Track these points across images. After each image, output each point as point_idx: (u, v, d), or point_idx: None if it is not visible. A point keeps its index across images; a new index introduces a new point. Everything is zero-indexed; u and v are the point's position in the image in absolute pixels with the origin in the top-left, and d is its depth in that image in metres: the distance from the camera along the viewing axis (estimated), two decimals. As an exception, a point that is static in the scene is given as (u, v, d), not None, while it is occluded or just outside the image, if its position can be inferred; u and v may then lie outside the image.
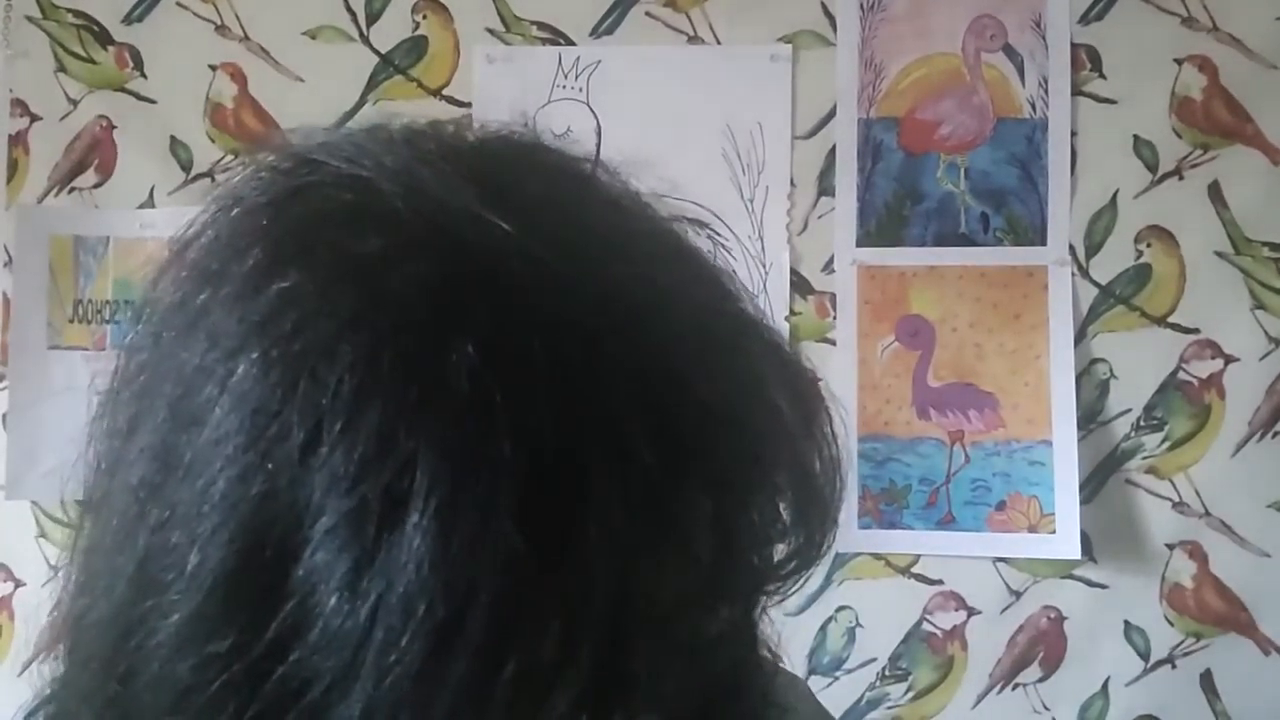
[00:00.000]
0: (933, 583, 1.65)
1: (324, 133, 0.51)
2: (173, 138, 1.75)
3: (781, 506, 0.48)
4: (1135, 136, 1.63)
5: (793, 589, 0.51)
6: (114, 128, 1.77)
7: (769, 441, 0.48)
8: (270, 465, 0.43)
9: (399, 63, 1.73)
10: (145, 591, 0.45)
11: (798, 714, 0.67)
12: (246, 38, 1.75)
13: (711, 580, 0.46)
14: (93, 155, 1.77)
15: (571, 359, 0.43)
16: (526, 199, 0.47)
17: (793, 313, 1.67)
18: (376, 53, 1.74)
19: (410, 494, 0.41)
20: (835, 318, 1.66)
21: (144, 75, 1.77)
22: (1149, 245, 1.63)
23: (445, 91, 1.73)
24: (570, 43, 1.71)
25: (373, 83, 1.73)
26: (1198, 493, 1.61)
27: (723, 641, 0.47)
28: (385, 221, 0.45)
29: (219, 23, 1.76)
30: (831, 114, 1.68)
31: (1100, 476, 1.63)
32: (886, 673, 1.65)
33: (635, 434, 0.43)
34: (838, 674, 1.65)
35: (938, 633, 1.64)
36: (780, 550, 0.49)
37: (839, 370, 1.65)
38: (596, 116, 1.70)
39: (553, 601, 0.42)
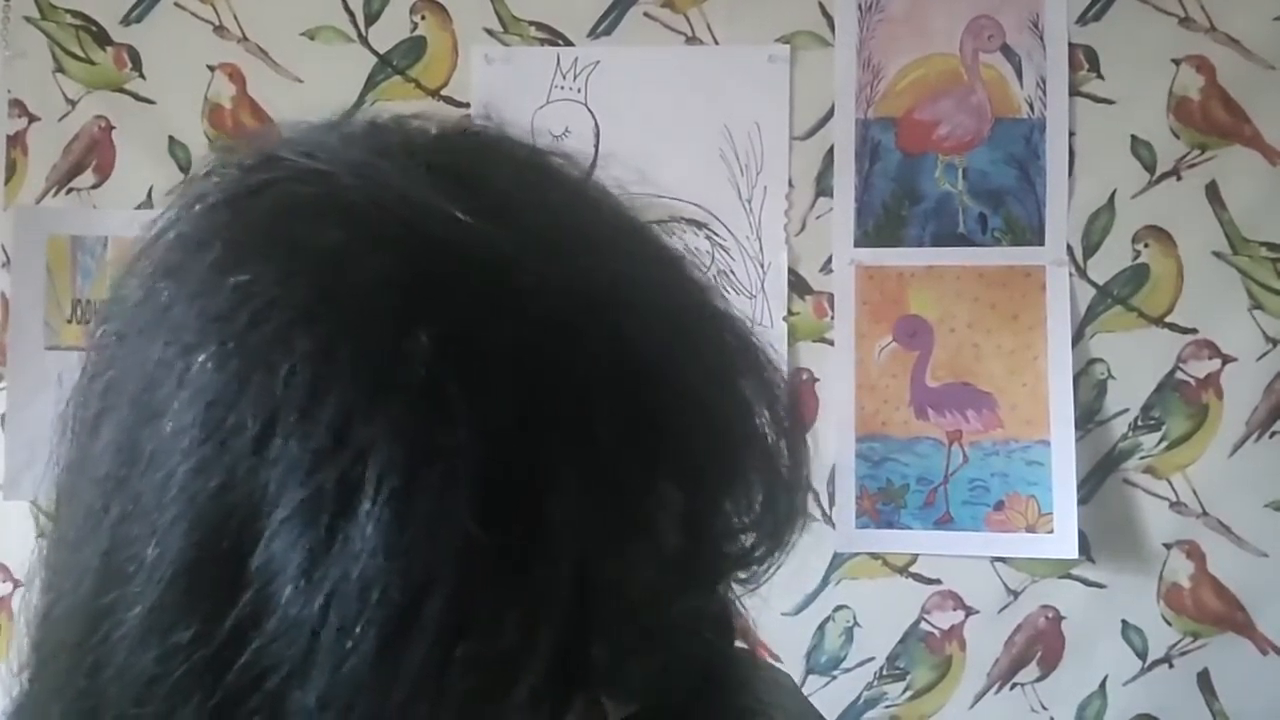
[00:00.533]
0: (931, 582, 1.65)
1: (289, 129, 0.51)
2: (171, 138, 1.75)
3: (749, 495, 0.49)
4: (1133, 136, 1.63)
5: (762, 578, 0.51)
6: (112, 128, 1.77)
7: (737, 431, 0.48)
8: (227, 457, 0.43)
9: (397, 63, 1.74)
10: (109, 584, 0.46)
11: (784, 710, 0.67)
12: (245, 38, 1.75)
13: (678, 568, 0.46)
14: (91, 156, 1.77)
15: (533, 349, 0.44)
16: (488, 191, 0.48)
17: (791, 313, 1.67)
18: (375, 53, 1.74)
19: (364, 483, 0.42)
20: (833, 318, 1.66)
21: (142, 76, 1.77)
22: (1147, 245, 1.63)
23: (444, 92, 1.73)
24: (569, 43, 1.71)
25: (371, 83, 1.73)
26: (1195, 492, 1.62)
27: (690, 628, 0.48)
28: (345, 215, 0.46)
29: (217, 23, 1.76)
30: (829, 114, 1.68)
31: (1098, 476, 1.63)
32: (884, 672, 1.65)
33: (599, 423, 0.43)
34: (835, 673, 1.65)
35: (936, 632, 1.65)
36: (748, 539, 0.49)
37: (837, 370, 1.66)
38: (595, 117, 1.70)
39: (511, 589, 0.42)
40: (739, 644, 0.57)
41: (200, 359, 0.44)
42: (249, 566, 0.43)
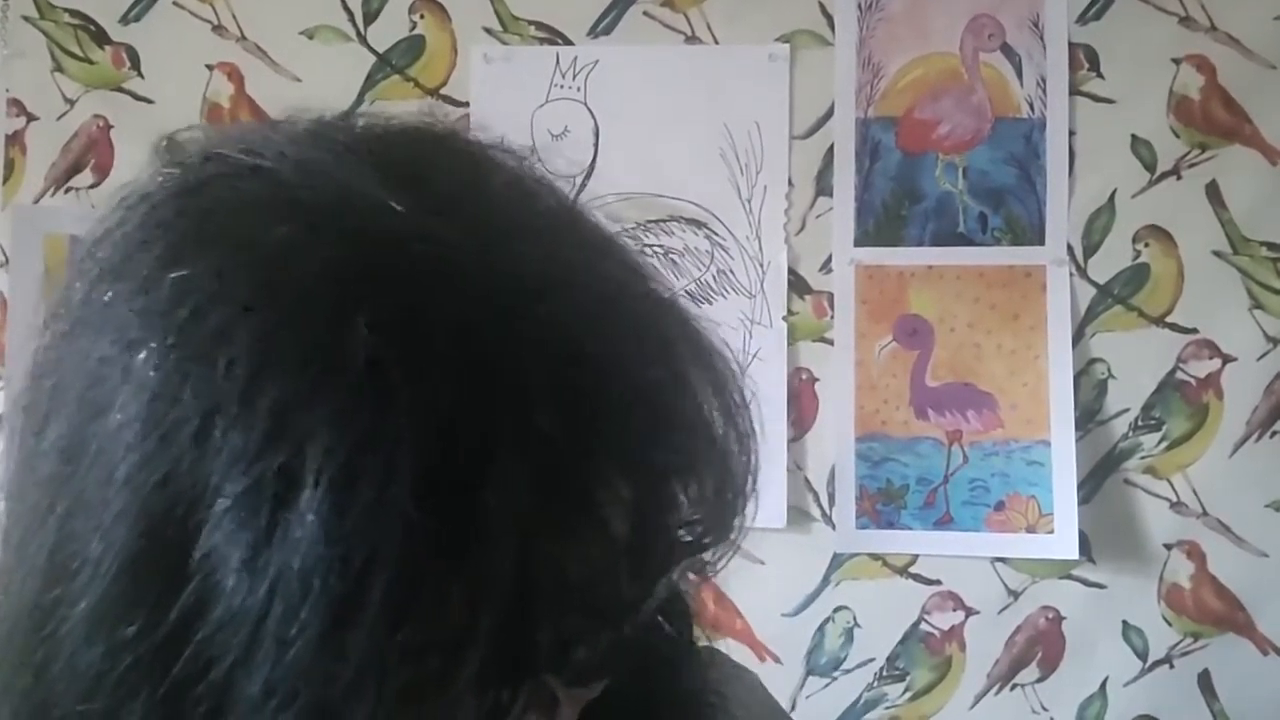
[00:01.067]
0: (931, 583, 1.65)
1: (232, 128, 0.52)
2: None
3: (698, 483, 0.49)
4: (1133, 136, 1.63)
5: (713, 568, 0.51)
6: (111, 127, 1.77)
7: (681, 418, 0.48)
8: (170, 450, 0.43)
9: (396, 62, 1.73)
10: (55, 581, 0.46)
11: (744, 706, 0.67)
12: (244, 37, 1.75)
13: (624, 554, 0.46)
14: (89, 155, 1.77)
15: (473, 336, 0.44)
16: (430, 183, 0.48)
17: (790, 312, 1.67)
18: (374, 52, 1.73)
19: (304, 471, 0.42)
20: (833, 317, 1.66)
21: (141, 75, 1.77)
22: (1147, 245, 1.63)
23: (443, 91, 1.72)
24: (568, 42, 1.71)
25: (370, 82, 1.73)
26: (1196, 493, 1.61)
27: (639, 615, 0.48)
28: (286, 209, 0.46)
29: (216, 22, 1.75)
30: (829, 113, 1.68)
31: (1098, 476, 1.63)
32: (884, 673, 1.65)
33: (539, 408, 0.44)
34: (835, 674, 1.65)
35: (936, 633, 1.64)
36: (696, 527, 0.49)
37: (837, 370, 1.65)
38: (594, 116, 1.69)
39: (453, 574, 0.43)
40: (699, 638, 0.58)
41: (142, 355, 0.45)
42: (192, 558, 0.43)
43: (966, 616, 1.64)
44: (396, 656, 0.42)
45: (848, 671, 1.65)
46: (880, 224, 1.66)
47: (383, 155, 0.49)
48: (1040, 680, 1.63)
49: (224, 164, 0.49)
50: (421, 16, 1.73)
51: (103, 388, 0.46)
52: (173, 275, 0.45)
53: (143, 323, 0.46)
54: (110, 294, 0.47)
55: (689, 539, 0.50)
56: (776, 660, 1.65)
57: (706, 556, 0.51)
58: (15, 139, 1.78)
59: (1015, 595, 1.63)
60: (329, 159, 0.48)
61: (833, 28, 1.68)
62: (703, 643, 0.59)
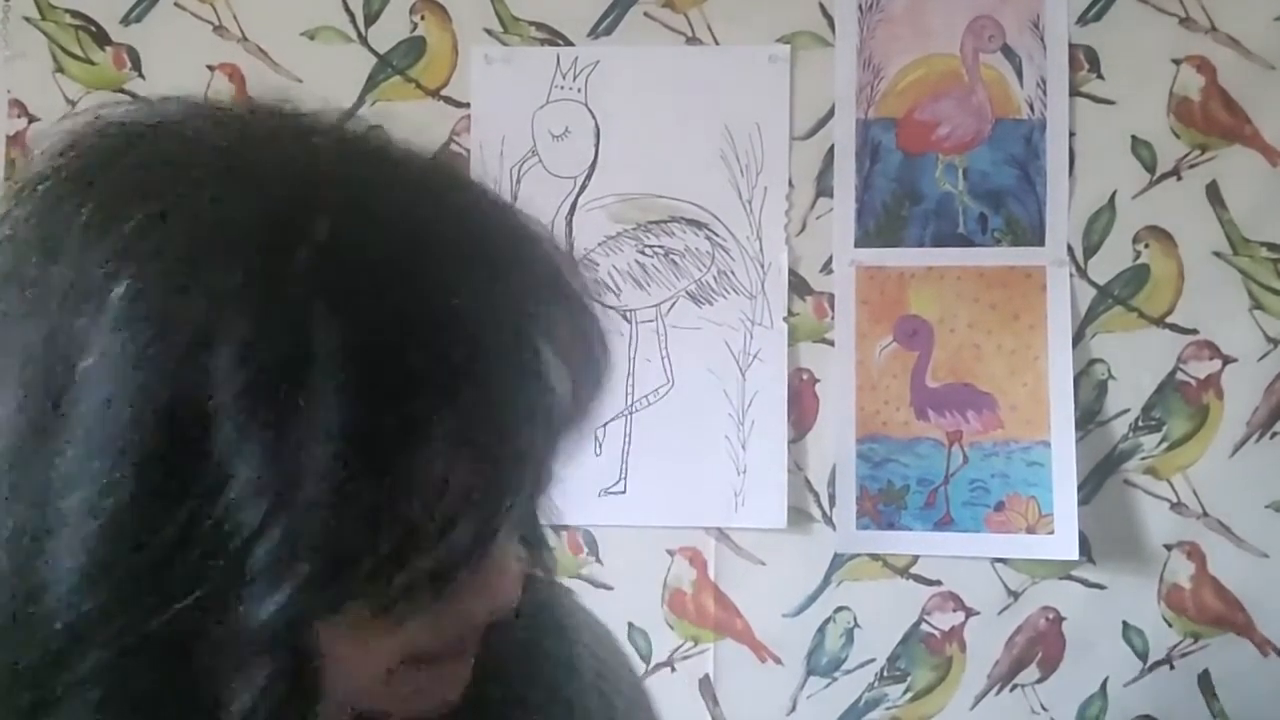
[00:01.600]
0: (931, 583, 1.65)
1: (117, 108, 0.57)
2: (171, 138, 1.75)
3: (570, 387, 0.56)
4: (1133, 137, 1.63)
5: (576, 452, 0.58)
6: (112, 128, 1.77)
7: (542, 309, 0.55)
8: (165, 366, 0.48)
9: (397, 63, 1.73)
10: (43, 516, 0.50)
11: (576, 620, 0.74)
12: (245, 38, 1.75)
13: (508, 450, 0.53)
14: (91, 156, 1.77)
15: (397, 273, 0.51)
16: (329, 149, 0.56)
17: (791, 313, 1.67)
18: (375, 53, 1.73)
19: (305, 369, 0.48)
20: (833, 318, 1.66)
21: (142, 76, 1.77)
22: (1147, 246, 1.63)
23: (443, 92, 1.72)
24: (569, 43, 1.71)
25: (371, 83, 1.73)
26: (1196, 493, 1.61)
27: (519, 495, 0.55)
28: (207, 156, 0.53)
29: (217, 23, 1.76)
30: (830, 114, 1.68)
31: (1098, 477, 1.63)
32: (885, 673, 1.65)
33: (445, 322, 0.51)
34: (836, 675, 1.65)
35: (936, 633, 1.64)
36: (555, 411, 0.56)
37: (837, 371, 1.65)
38: (595, 117, 1.69)
39: (431, 443, 0.50)
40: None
41: (115, 289, 0.49)
42: (206, 451, 0.48)
43: (967, 617, 1.64)
44: (391, 519, 0.50)
45: (848, 672, 1.65)
46: (880, 225, 1.66)
47: (276, 124, 0.58)
48: (1040, 681, 1.63)
49: (132, 129, 0.54)
50: (422, 17, 1.73)
51: (71, 331, 0.49)
52: (135, 215, 0.50)
53: (101, 265, 0.49)
54: (38, 260, 0.51)
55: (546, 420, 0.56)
56: (777, 660, 1.65)
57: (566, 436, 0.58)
58: (16, 140, 1.78)
59: (1015, 596, 1.63)
60: (241, 123, 0.57)
61: (833, 29, 1.68)
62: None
